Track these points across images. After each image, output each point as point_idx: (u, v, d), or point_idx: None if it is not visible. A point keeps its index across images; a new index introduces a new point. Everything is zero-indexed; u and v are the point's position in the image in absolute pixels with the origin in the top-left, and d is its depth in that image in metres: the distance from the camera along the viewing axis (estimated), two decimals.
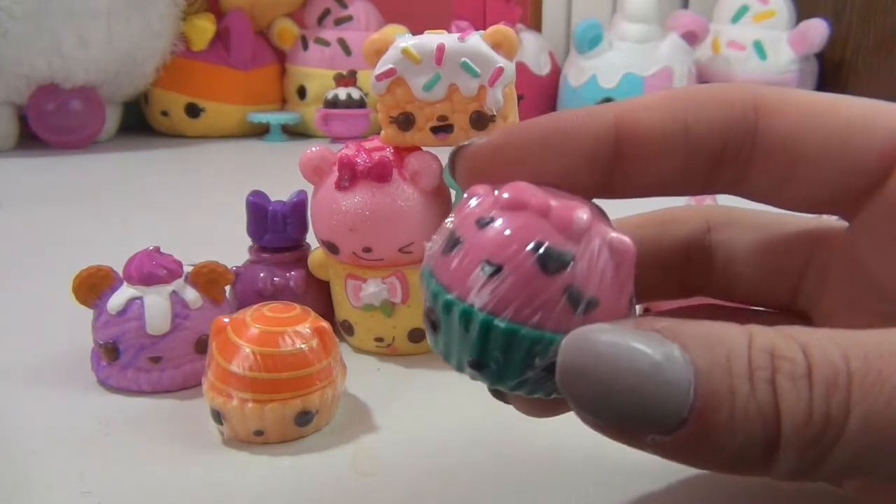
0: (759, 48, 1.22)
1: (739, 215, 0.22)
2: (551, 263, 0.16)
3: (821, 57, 1.24)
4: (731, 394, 0.14)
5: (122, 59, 1.07)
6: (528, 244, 0.16)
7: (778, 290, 0.21)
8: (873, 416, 0.14)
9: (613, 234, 0.16)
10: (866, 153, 0.17)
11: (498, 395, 0.20)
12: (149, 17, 1.07)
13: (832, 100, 0.18)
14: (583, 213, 0.16)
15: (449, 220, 0.18)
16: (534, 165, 0.18)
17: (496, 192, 0.17)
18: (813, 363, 0.14)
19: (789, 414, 0.14)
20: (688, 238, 0.22)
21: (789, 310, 0.22)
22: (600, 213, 0.18)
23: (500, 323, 0.16)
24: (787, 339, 0.14)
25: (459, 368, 0.17)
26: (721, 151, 0.18)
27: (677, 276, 0.22)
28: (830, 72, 1.24)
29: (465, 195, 0.18)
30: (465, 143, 0.19)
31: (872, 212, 0.18)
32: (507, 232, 0.16)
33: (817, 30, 1.17)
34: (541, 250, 0.16)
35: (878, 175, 0.18)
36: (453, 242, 0.17)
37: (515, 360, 0.16)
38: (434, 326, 0.18)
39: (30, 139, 1.07)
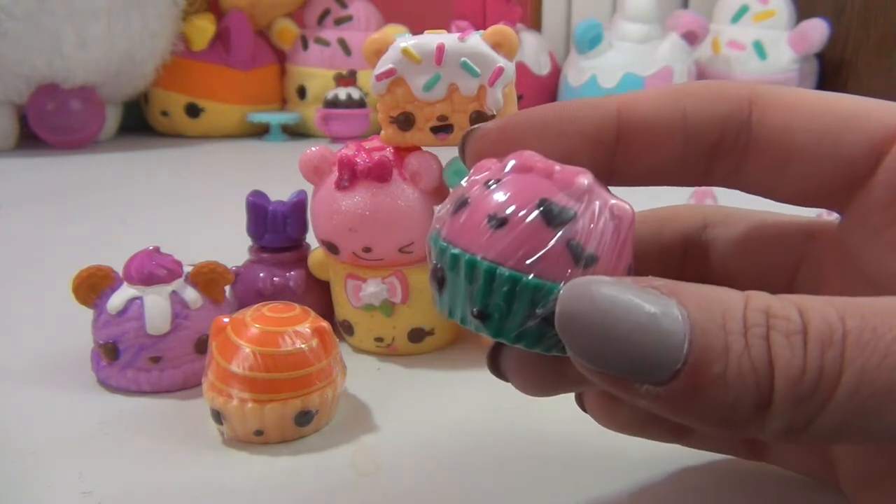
0: (759, 48, 1.22)
1: (735, 213, 0.23)
2: (554, 217, 0.17)
3: (821, 57, 1.24)
4: (726, 349, 0.14)
5: (122, 59, 1.07)
6: (532, 200, 0.17)
7: (773, 285, 0.22)
8: (867, 372, 0.14)
9: (614, 200, 0.17)
10: (857, 145, 0.18)
11: (497, 371, 0.21)
12: (148, 17, 1.07)
13: (825, 96, 0.19)
14: (585, 178, 0.17)
15: (459, 187, 0.19)
16: (539, 146, 0.19)
17: (512, 158, 0.18)
18: (808, 321, 0.14)
19: (783, 369, 0.14)
20: (685, 233, 0.23)
21: None
22: (602, 184, 0.18)
23: (504, 271, 0.16)
24: (783, 301, 0.15)
25: (463, 321, 0.18)
26: (718, 141, 0.19)
27: (675, 271, 0.23)
28: (830, 72, 1.24)
29: (473, 169, 0.19)
30: (475, 127, 0.20)
31: (862, 203, 0.19)
32: (513, 190, 0.17)
33: (817, 30, 1.17)
34: (544, 205, 0.17)
35: (869, 166, 0.18)
36: (461, 203, 0.18)
37: (517, 310, 0.17)
38: (440, 283, 0.18)
39: (30, 139, 1.07)
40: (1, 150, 1.05)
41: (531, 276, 0.16)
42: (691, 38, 1.19)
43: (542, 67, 1.27)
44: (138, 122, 1.25)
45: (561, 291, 0.16)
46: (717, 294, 0.15)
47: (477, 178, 0.18)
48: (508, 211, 0.17)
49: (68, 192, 0.81)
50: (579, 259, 0.17)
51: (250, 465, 0.27)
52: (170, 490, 0.25)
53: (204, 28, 1.16)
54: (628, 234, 0.18)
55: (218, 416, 0.28)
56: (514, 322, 0.17)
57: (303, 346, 0.28)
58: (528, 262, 0.16)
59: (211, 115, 1.21)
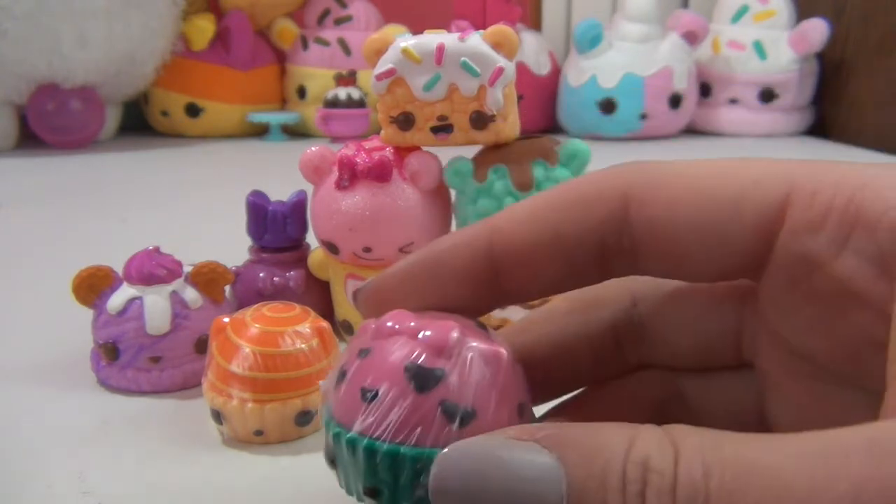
0: (759, 48, 1.22)
1: (665, 284, 0.22)
2: (422, 381, 0.16)
3: (821, 57, 1.24)
4: (602, 488, 0.14)
5: (122, 59, 1.07)
6: (399, 367, 0.17)
7: (720, 353, 0.21)
8: None
9: (485, 346, 0.17)
10: (740, 235, 0.17)
11: None
12: (148, 17, 1.07)
13: (706, 176, 0.17)
14: (452, 332, 0.17)
15: (343, 353, 0.19)
16: (419, 296, 0.19)
17: (376, 325, 0.18)
18: (678, 479, 0.14)
19: None
20: (613, 319, 0.21)
21: (745, 366, 0.21)
22: (479, 328, 0.18)
23: (382, 446, 0.16)
24: (662, 448, 0.14)
25: (360, 499, 0.18)
26: (600, 248, 0.18)
27: (611, 361, 0.22)
28: (830, 72, 1.24)
29: (355, 334, 0.19)
30: (359, 287, 0.20)
31: (768, 284, 0.18)
32: (380, 358, 0.17)
33: (817, 30, 1.17)
34: (411, 371, 0.17)
35: (760, 251, 0.17)
36: (341, 375, 0.18)
37: (405, 482, 0.16)
38: (332, 462, 0.18)
39: (30, 139, 1.07)
40: (1, 150, 1.05)
41: (409, 446, 0.16)
42: (691, 38, 1.19)
43: (542, 67, 1.27)
44: (138, 122, 1.25)
45: (433, 464, 0.15)
46: (601, 441, 0.15)
47: (354, 344, 0.18)
48: (378, 383, 0.17)
49: (68, 192, 0.81)
50: (454, 417, 0.16)
51: (250, 465, 0.27)
52: (170, 490, 0.25)
53: (204, 28, 1.16)
54: (507, 376, 0.17)
55: (218, 416, 0.28)
56: (404, 494, 0.17)
57: (303, 345, 0.28)
58: (404, 431, 0.16)
59: (211, 115, 1.21)
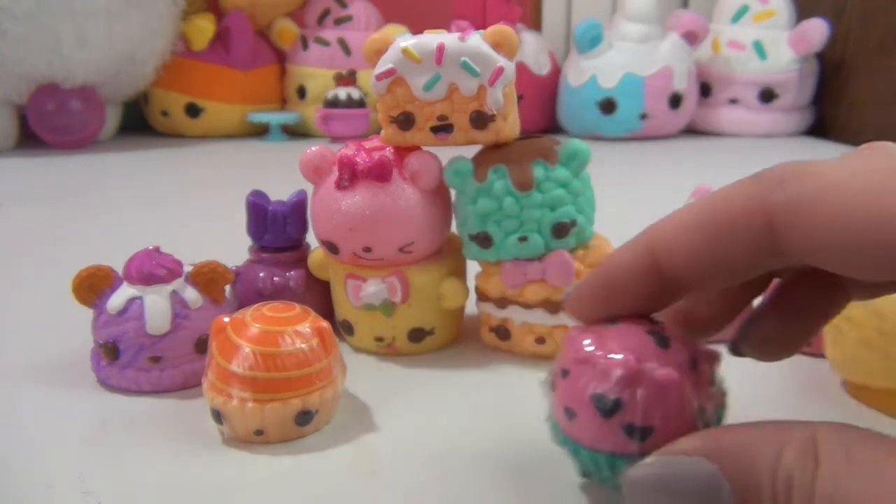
0: (759, 48, 1.22)
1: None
2: (606, 408, 0.21)
3: (821, 57, 1.24)
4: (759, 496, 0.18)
5: (122, 59, 1.07)
6: (588, 395, 0.22)
7: None
8: None
9: (659, 371, 0.21)
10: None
11: (736, 351, 0.25)
12: (149, 17, 1.07)
13: (844, 196, 0.17)
14: (620, 369, 0.21)
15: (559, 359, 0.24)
16: (607, 304, 0.23)
17: (573, 345, 0.23)
18: (815, 493, 0.17)
19: None
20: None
21: None
22: (657, 344, 0.22)
23: (583, 450, 0.22)
24: (804, 464, 0.17)
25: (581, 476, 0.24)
26: (754, 259, 0.20)
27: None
28: (830, 72, 1.24)
29: (566, 342, 0.24)
30: (565, 292, 0.24)
31: None
32: (576, 384, 0.22)
33: (817, 30, 1.17)
34: (596, 399, 0.21)
35: None
36: (552, 386, 0.24)
37: (604, 474, 0.22)
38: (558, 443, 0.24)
39: (30, 139, 1.07)
40: (1, 150, 1.05)
41: (603, 453, 0.22)
42: (691, 38, 1.19)
43: (542, 67, 1.27)
44: (138, 122, 1.25)
45: (624, 480, 0.20)
46: (753, 453, 0.18)
47: (565, 358, 0.23)
48: (574, 406, 0.22)
49: (68, 192, 0.81)
50: (634, 435, 0.21)
51: (250, 465, 0.27)
52: (170, 490, 0.25)
53: (204, 28, 1.16)
54: (679, 392, 0.21)
55: (218, 416, 0.28)
56: (608, 481, 0.22)
57: (303, 345, 0.28)
58: (597, 444, 0.22)
59: (211, 115, 1.21)
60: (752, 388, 0.31)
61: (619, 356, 0.21)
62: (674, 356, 0.22)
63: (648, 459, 0.20)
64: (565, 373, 0.23)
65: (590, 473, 0.23)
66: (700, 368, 0.22)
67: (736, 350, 0.24)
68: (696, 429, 0.21)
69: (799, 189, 0.18)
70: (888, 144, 0.19)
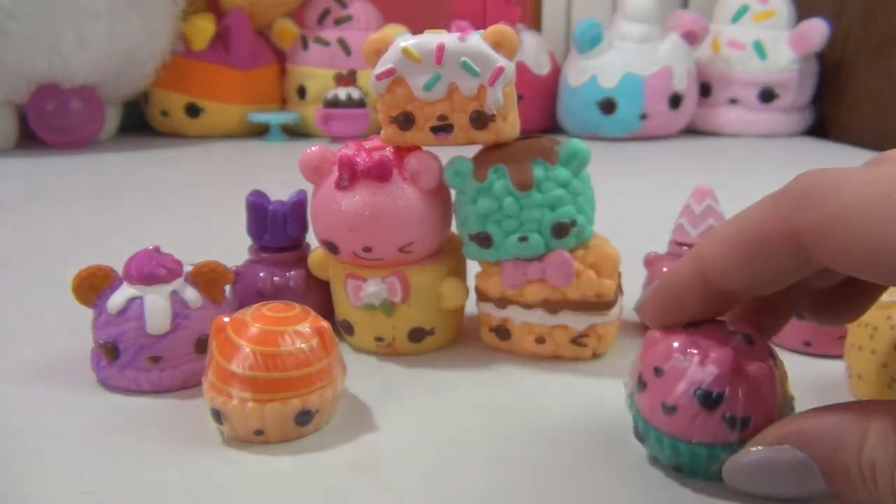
0: (759, 48, 1.22)
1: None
2: (707, 403, 0.23)
3: (821, 57, 1.24)
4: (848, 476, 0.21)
5: (122, 59, 1.07)
6: (690, 391, 0.23)
7: None
8: None
9: (754, 365, 0.23)
10: None
11: (799, 317, 0.29)
12: (148, 17, 1.07)
13: (869, 220, 0.19)
14: (728, 360, 0.23)
15: (636, 361, 0.26)
16: (672, 314, 0.25)
17: (662, 345, 0.25)
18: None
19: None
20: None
21: None
22: (742, 339, 0.24)
23: (682, 444, 0.24)
24: (887, 450, 0.20)
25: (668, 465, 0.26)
26: (791, 274, 0.22)
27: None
28: (830, 72, 1.24)
29: (646, 339, 0.26)
30: (638, 300, 0.27)
31: None
32: (675, 381, 0.24)
33: (817, 30, 1.17)
34: (699, 395, 0.23)
35: None
36: (642, 385, 0.25)
37: (699, 465, 0.24)
38: (639, 439, 0.26)
39: (30, 139, 1.07)
40: (1, 150, 1.05)
41: (703, 445, 0.24)
42: (691, 38, 1.19)
43: (542, 67, 1.27)
44: (138, 122, 1.25)
45: (723, 468, 0.24)
46: (839, 440, 0.21)
47: (648, 357, 0.25)
48: (674, 401, 0.24)
49: (68, 192, 0.81)
50: (734, 426, 0.23)
51: (250, 465, 0.27)
52: (170, 490, 0.25)
53: (204, 28, 1.16)
54: (771, 382, 0.24)
55: (218, 416, 0.28)
56: (698, 471, 0.25)
57: (303, 345, 0.28)
58: (697, 437, 0.23)
59: (211, 115, 1.21)
60: None
61: (718, 353, 0.23)
62: (760, 352, 0.24)
63: (751, 448, 0.23)
64: (658, 371, 0.24)
65: (681, 466, 0.25)
66: (778, 362, 0.24)
67: (799, 316, 0.28)
68: (779, 417, 0.24)
69: (822, 213, 0.20)
70: None
